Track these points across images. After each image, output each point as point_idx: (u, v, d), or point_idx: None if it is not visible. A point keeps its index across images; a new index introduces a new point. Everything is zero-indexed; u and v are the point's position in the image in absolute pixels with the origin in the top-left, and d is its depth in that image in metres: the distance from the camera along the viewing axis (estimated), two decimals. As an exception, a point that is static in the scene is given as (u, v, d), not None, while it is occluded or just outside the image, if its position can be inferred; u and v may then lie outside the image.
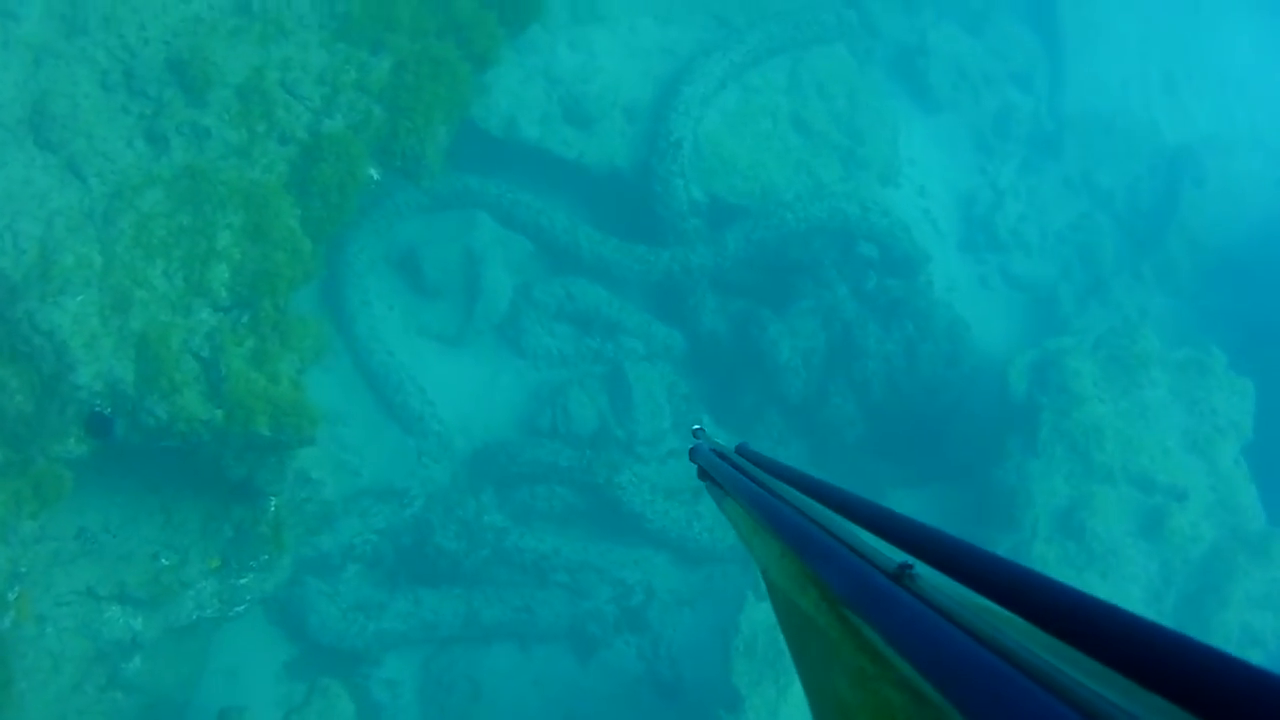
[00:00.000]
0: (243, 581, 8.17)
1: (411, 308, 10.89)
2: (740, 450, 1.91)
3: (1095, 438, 10.30)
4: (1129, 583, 10.02)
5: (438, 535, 9.76)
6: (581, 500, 10.08)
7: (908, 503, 10.49)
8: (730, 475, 1.73)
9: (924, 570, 1.05)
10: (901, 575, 1.03)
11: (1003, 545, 9.92)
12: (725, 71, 11.19)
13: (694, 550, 10.27)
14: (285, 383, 7.01)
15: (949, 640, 0.85)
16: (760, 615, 9.17)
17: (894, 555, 1.09)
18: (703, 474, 1.97)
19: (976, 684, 0.78)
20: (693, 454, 2.04)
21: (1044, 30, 15.01)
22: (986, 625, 0.89)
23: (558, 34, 11.02)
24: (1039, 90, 14.60)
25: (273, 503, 7.97)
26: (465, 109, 7.97)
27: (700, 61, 11.10)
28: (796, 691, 8.71)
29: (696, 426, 2.34)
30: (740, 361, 11.05)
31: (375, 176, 7.48)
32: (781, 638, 1.43)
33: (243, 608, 8.44)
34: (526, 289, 10.76)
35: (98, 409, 6.79)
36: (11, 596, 6.96)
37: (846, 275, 11.41)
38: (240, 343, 6.88)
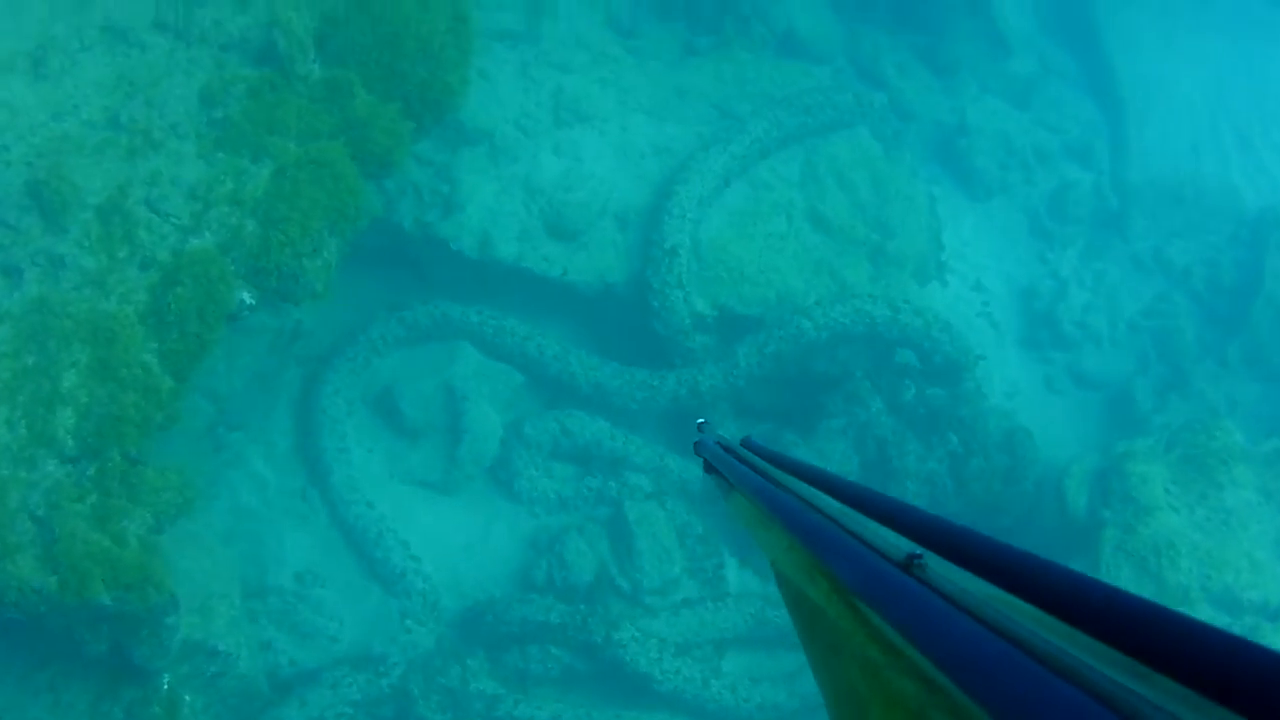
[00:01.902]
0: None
1: (394, 452, 10.61)
2: (745, 443, 2.02)
3: (1168, 554, 9.62)
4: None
5: (419, 706, 9.33)
6: (580, 661, 9.58)
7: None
8: (736, 469, 1.84)
9: (933, 559, 1.10)
10: (910, 564, 1.09)
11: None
12: (726, 167, 10.91)
13: (714, 712, 9.69)
14: (132, 544, 6.63)
15: (959, 628, 0.90)
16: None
17: (903, 545, 1.15)
18: (708, 468, 2.10)
19: (988, 671, 0.81)
20: (697, 448, 2.17)
21: (1100, 96, 14.63)
22: (996, 613, 0.92)
23: (540, 139, 10.85)
24: (1099, 163, 14.15)
25: (165, 679, 7.55)
26: (358, 217, 7.58)
27: (697, 157, 10.85)
28: None
29: (701, 420, 2.45)
30: (763, 493, 10.56)
31: (248, 301, 7.07)
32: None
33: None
34: (517, 426, 10.42)
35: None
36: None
37: (881, 387, 10.93)
38: (81, 498, 6.55)
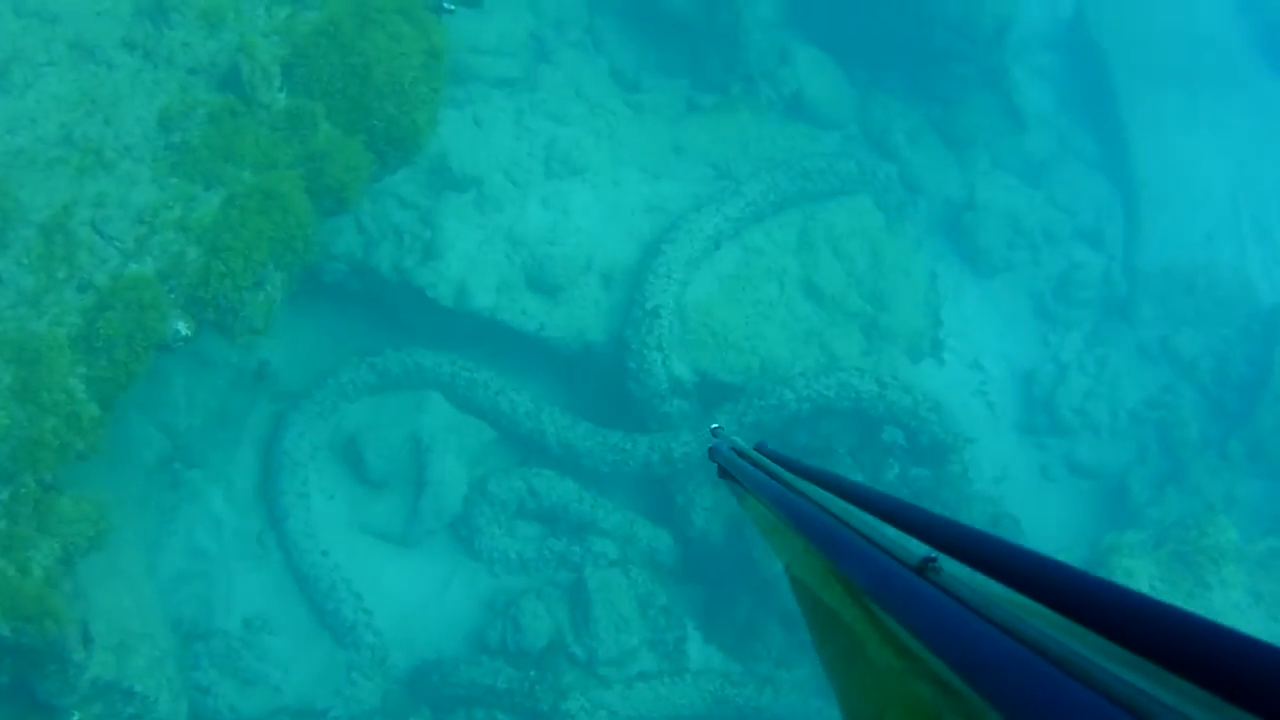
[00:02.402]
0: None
1: (356, 501, 10.57)
2: (759, 448, 2.07)
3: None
4: None
5: (359, 766, 9.23)
6: (526, 730, 9.47)
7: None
8: (750, 473, 1.89)
9: (947, 563, 1.12)
10: (925, 568, 1.11)
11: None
12: (719, 228, 10.87)
13: (663, 794, 9.55)
14: (36, 575, 6.52)
15: (974, 631, 0.91)
16: None
17: (917, 549, 1.16)
18: (722, 473, 2.13)
19: (1003, 673, 0.84)
20: (711, 453, 2.22)
21: (1117, 178, 14.58)
22: (1010, 615, 0.94)
23: (529, 190, 10.85)
24: (1110, 246, 14.08)
25: (75, 718, 7.43)
26: (306, 252, 7.47)
27: (688, 217, 10.81)
28: None
29: (715, 425, 2.54)
30: (735, 568, 10.46)
31: (183, 331, 6.95)
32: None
33: None
34: (483, 483, 10.36)
35: None
36: None
37: (863, 464, 10.85)
38: (-13, 525, 6.45)
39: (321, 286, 10.36)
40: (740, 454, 2.05)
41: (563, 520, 10.42)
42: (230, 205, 7.05)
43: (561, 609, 9.97)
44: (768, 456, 1.97)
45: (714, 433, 2.39)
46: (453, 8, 8.72)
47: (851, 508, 1.45)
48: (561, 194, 10.92)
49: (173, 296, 6.85)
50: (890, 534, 1.29)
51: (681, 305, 10.56)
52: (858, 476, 10.62)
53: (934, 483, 10.76)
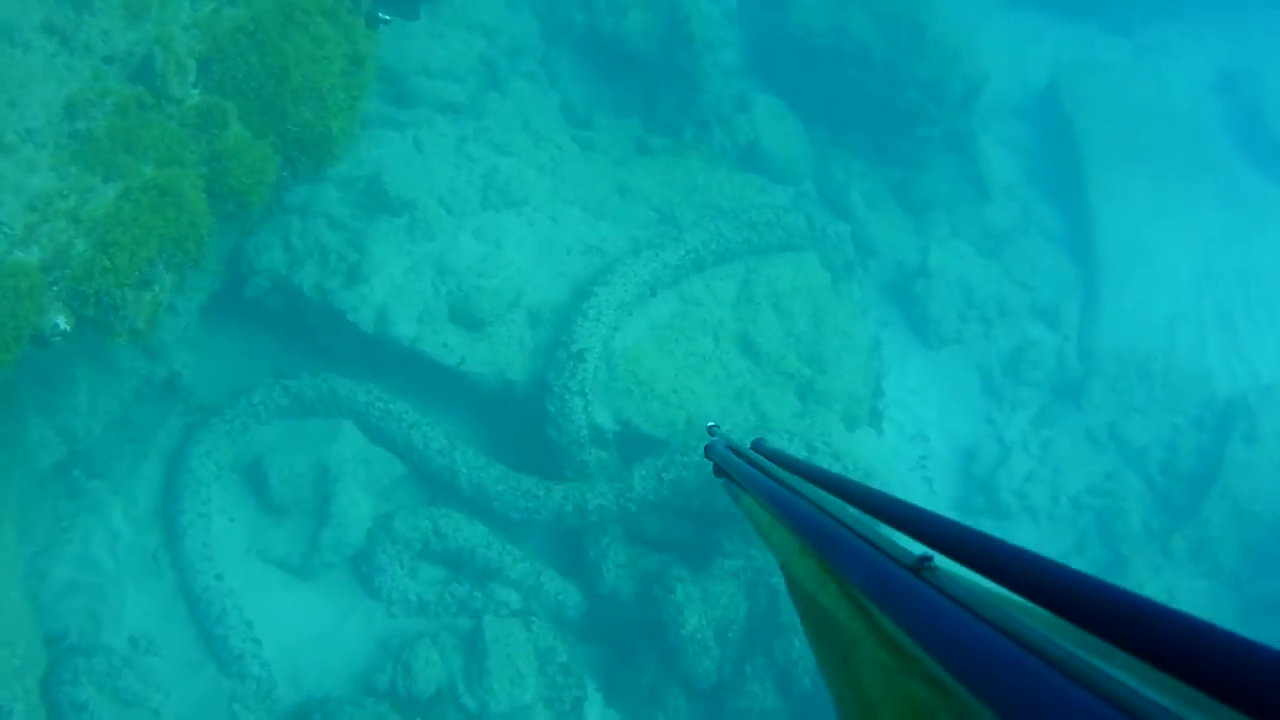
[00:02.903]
0: None
1: (257, 526, 10.49)
2: (756, 446, 2.18)
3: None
4: None
5: (229, 808, 9.14)
6: (405, 781, 9.41)
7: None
8: (747, 472, 1.96)
9: (943, 563, 1.16)
10: (921, 568, 1.16)
11: None
12: (656, 274, 10.89)
13: None
14: None
15: (969, 631, 0.95)
16: None
17: (913, 549, 1.21)
18: (718, 471, 2.23)
19: (997, 674, 0.87)
20: (708, 451, 2.33)
21: (1079, 256, 14.75)
22: (1005, 615, 0.97)
23: (463, 219, 10.88)
24: (1066, 326, 14.22)
25: None
26: (199, 254, 7.41)
27: (625, 260, 10.84)
28: None
29: (711, 424, 2.64)
30: (643, 630, 10.44)
31: (62, 326, 6.88)
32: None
33: None
34: (388, 519, 10.31)
35: None
36: None
37: (786, 530, 10.84)
38: None
39: (243, 301, 10.36)
40: (736, 452, 2.13)
41: (468, 565, 10.37)
42: (124, 199, 7.00)
43: (456, 657, 9.91)
44: (764, 455, 2.05)
45: (710, 431, 2.51)
46: (388, 17, 8.77)
47: (848, 506, 1.51)
48: (496, 226, 10.94)
49: (55, 289, 6.76)
50: (886, 533, 1.33)
51: (610, 351, 10.57)
52: (779, 542, 10.65)
53: (857, 555, 10.78)
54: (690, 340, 11.08)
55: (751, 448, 2.15)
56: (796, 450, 10.47)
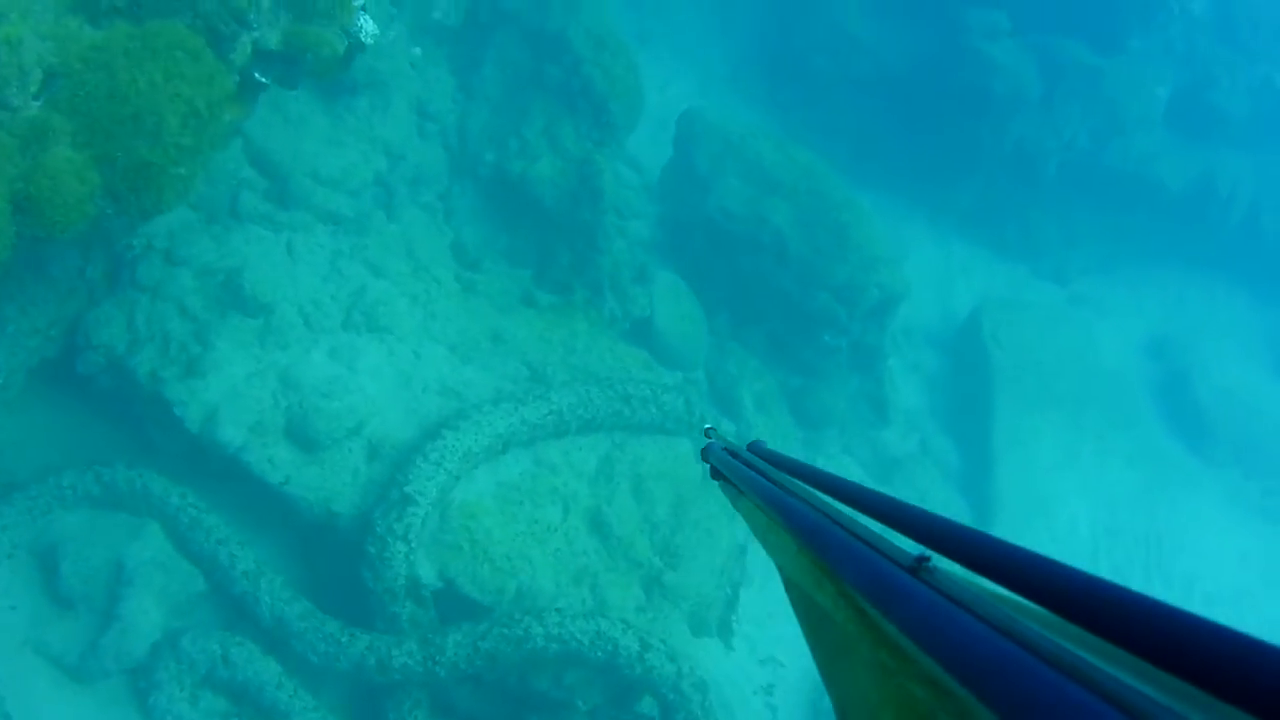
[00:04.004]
0: None
1: (39, 616, 10.35)
2: (752, 448, 2.22)
3: None
4: None
5: None
6: None
7: None
8: (744, 474, 2.01)
9: (941, 562, 1.17)
10: (918, 568, 1.17)
11: None
12: (512, 430, 11.05)
13: None
14: None
15: (969, 631, 0.96)
16: None
17: (910, 548, 1.23)
18: (715, 473, 2.27)
19: (997, 673, 0.88)
20: (705, 453, 2.39)
21: (972, 497, 15.20)
22: (1005, 615, 0.99)
23: (320, 335, 11.05)
24: (948, 567, 14.47)
25: None
26: None
27: (482, 409, 11.03)
28: None
29: (708, 425, 2.75)
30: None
31: None
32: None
33: None
34: (177, 636, 10.22)
35: None
36: None
37: (604, 728, 10.87)
38: None
39: (73, 376, 10.44)
40: (733, 454, 2.20)
41: (253, 703, 10.27)
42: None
43: (214, 802, 9.79)
44: (761, 456, 2.11)
45: (707, 433, 2.59)
46: (266, 80, 8.98)
47: (845, 507, 1.55)
48: (354, 349, 11.11)
49: None
50: (884, 533, 1.37)
51: (447, 501, 10.66)
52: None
53: (673, 769, 10.83)
54: (537, 507, 11.20)
55: (748, 449, 2.23)
56: (628, 642, 10.56)
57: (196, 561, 10.51)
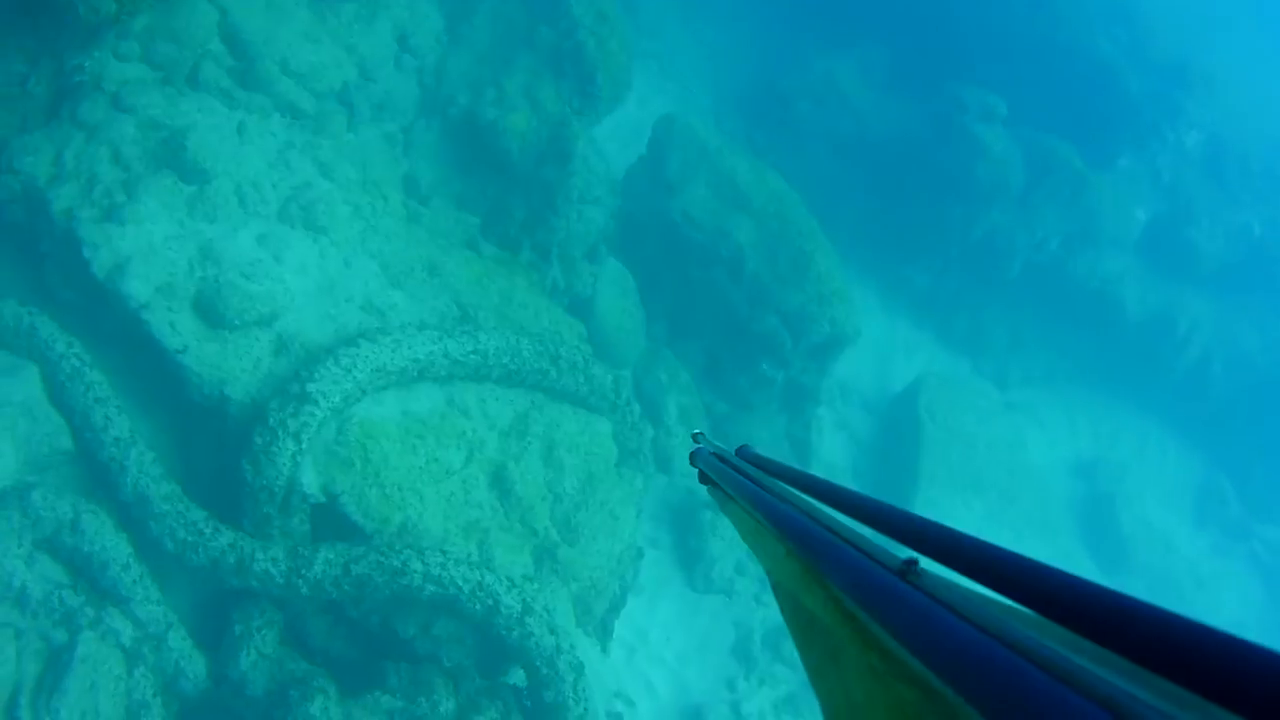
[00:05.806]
0: None
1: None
2: (740, 453, 2.22)
3: None
4: None
5: None
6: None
7: None
8: (732, 478, 2.02)
9: (929, 565, 1.21)
10: (906, 571, 1.20)
11: None
12: (431, 358, 10.53)
13: None
14: None
15: (957, 634, 0.99)
16: None
17: (899, 551, 1.26)
18: (704, 478, 2.30)
19: (986, 676, 0.91)
20: (693, 457, 2.39)
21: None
22: (993, 618, 1.02)
23: (253, 219, 10.56)
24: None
25: None
26: None
27: (405, 330, 10.54)
28: None
29: (697, 430, 2.72)
30: (263, 732, 9.68)
31: None
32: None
33: None
34: (27, 489, 9.51)
35: None
36: None
37: (460, 691, 10.24)
38: None
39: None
40: (722, 459, 2.20)
41: (95, 579, 9.56)
42: None
43: (34, 664, 9.05)
44: (749, 461, 2.12)
45: (695, 438, 2.58)
46: None
47: (834, 512, 1.56)
48: (284, 241, 10.59)
49: None
50: (873, 537, 1.38)
51: (348, 415, 10.12)
52: (447, 700, 10.07)
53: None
54: (441, 446, 10.65)
55: (736, 454, 2.21)
56: (510, 602, 10.03)
57: (69, 416, 9.86)
